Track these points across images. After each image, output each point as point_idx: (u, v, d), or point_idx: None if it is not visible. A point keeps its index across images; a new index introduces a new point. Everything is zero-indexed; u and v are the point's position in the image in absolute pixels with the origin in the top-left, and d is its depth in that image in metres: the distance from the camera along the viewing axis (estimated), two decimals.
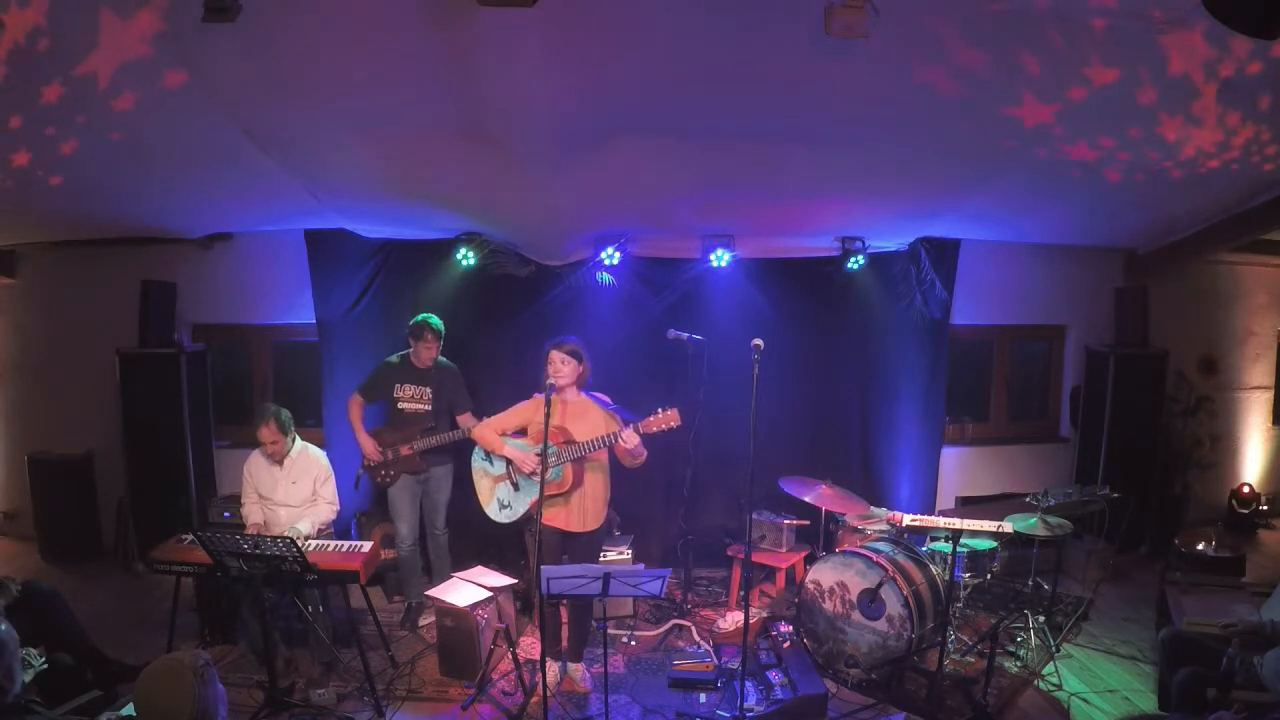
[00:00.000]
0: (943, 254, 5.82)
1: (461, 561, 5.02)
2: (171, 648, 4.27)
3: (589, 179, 4.44)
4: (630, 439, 3.79)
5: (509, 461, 4.11)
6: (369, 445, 4.80)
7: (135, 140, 3.90)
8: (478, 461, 4.22)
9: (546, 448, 3.65)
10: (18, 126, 3.49)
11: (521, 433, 4.15)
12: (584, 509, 4.00)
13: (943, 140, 4.11)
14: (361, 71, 3.44)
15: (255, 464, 4.45)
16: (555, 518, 3.93)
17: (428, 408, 4.86)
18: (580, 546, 4.05)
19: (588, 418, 3.99)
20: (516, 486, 4.12)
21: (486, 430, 4.16)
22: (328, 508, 4.46)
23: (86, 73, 3.22)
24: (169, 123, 3.76)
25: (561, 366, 3.92)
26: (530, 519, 4.05)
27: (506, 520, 4.13)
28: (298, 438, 4.48)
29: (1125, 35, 3.24)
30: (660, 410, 3.78)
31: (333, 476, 4.53)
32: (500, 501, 4.14)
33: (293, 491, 4.40)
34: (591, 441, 3.87)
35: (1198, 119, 3.98)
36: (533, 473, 3.98)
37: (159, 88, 3.41)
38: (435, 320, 4.81)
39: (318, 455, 4.51)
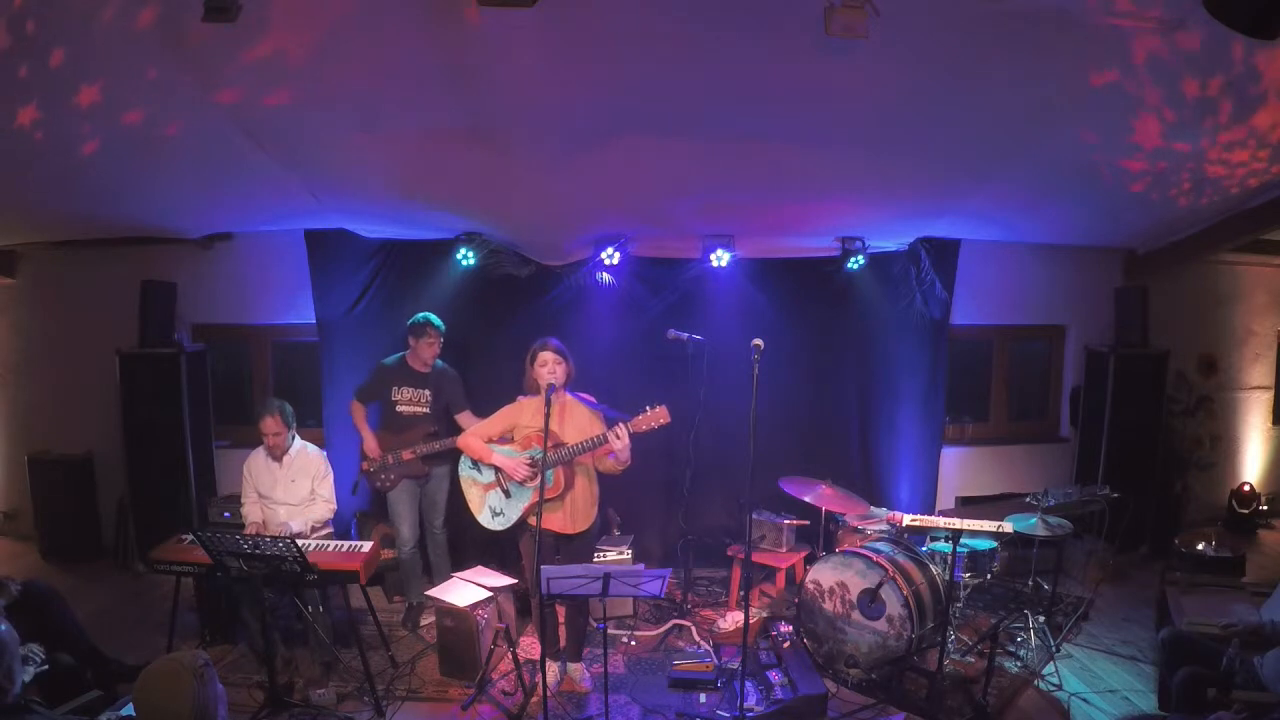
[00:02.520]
0: (943, 254, 5.82)
1: (461, 562, 5.03)
2: (171, 648, 4.28)
3: (589, 179, 4.45)
4: (620, 439, 3.74)
5: (497, 469, 4.05)
6: (371, 442, 4.79)
7: (136, 140, 3.90)
8: (465, 470, 4.14)
9: (547, 450, 3.64)
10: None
11: (506, 438, 4.10)
12: (575, 510, 3.98)
13: (949, 134, 4.11)
14: (362, 71, 3.45)
15: (255, 463, 4.46)
16: (549, 521, 3.90)
17: (426, 410, 4.85)
18: (574, 548, 4.04)
19: (576, 419, 3.97)
20: (508, 493, 4.06)
21: (472, 439, 4.09)
22: (324, 505, 4.46)
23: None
24: (169, 122, 3.76)
25: (555, 368, 3.88)
26: (523, 525, 4.02)
27: (500, 527, 4.07)
28: (297, 435, 4.49)
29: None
30: (648, 408, 3.73)
31: (331, 474, 4.53)
32: (492, 509, 4.08)
33: (292, 490, 4.41)
34: (581, 444, 3.82)
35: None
36: (524, 480, 3.96)
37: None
38: (436, 319, 4.80)
39: (316, 453, 4.52)
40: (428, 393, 4.85)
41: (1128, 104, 3.78)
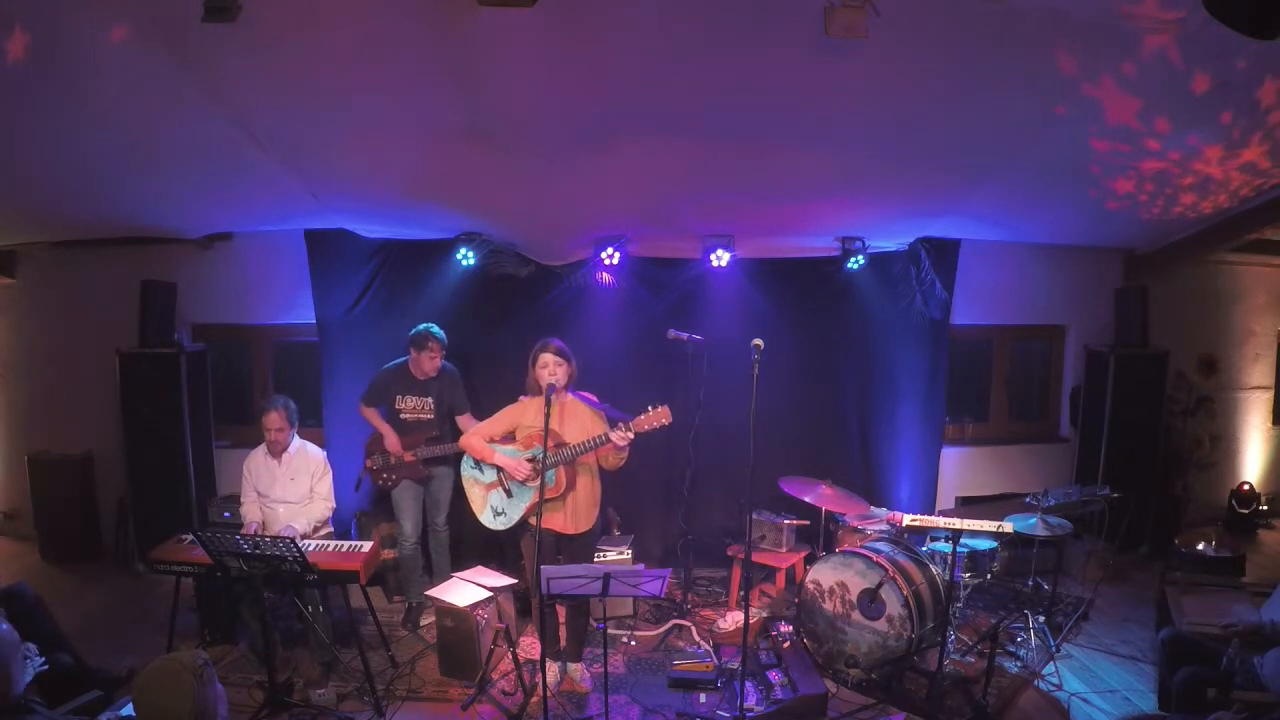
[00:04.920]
0: (943, 254, 5.82)
1: (462, 561, 5.02)
2: (171, 648, 4.27)
3: (589, 179, 4.44)
4: (622, 439, 3.74)
5: (499, 469, 4.06)
6: (392, 437, 4.78)
7: (136, 140, 3.90)
8: (467, 470, 4.16)
9: (547, 450, 3.64)
10: None
11: (509, 438, 4.10)
12: (577, 511, 3.98)
13: (949, 135, 4.11)
14: (362, 71, 3.45)
15: (254, 461, 4.47)
16: (550, 521, 3.91)
17: (430, 416, 4.86)
18: (575, 548, 4.04)
19: (578, 419, 3.97)
20: (510, 493, 4.06)
21: (474, 439, 4.10)
22: (323, 504, 4.47)
23: None
24: (169, 122, 3.76)
25: (556, 369, 3.88)
26: (525, 524, 4.02)
27: (502, 527, 4.08)
28: (296, 434, 4.50)
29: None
30: (651, 408, 3.73)
31: (330, 473, 4.54)
32: (494, 509, 4.09)
33: (291, 488, 4.41)
34: (583, 443, 3.83)
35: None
36: (526, 479, 3.96)
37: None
38: (438, 330, 4.76)
39: (316, 452, 4.53)
40: (430, 400, 4.85)
41: (1117, 111, 3.79)
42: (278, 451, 4.42)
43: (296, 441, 4.48)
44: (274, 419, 4.33)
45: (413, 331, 4.78)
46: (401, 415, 4.85)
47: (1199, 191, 4.76)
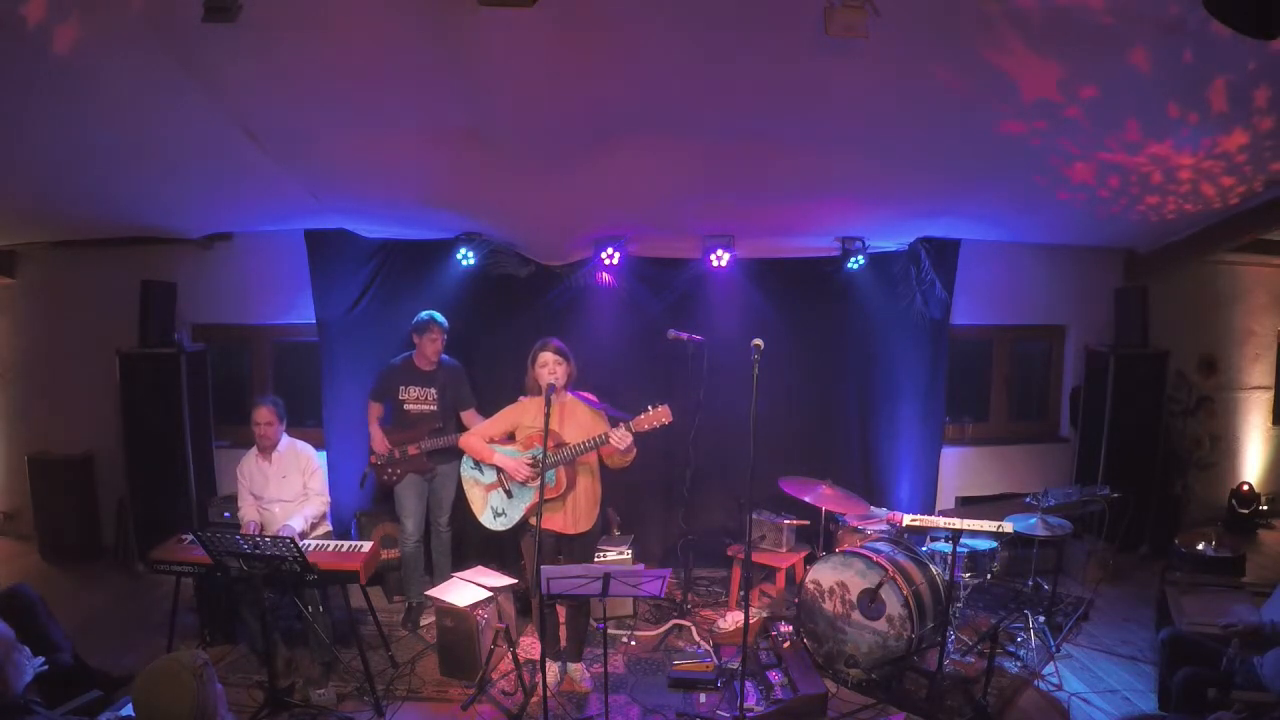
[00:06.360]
0: (943, 254, 5.82)
1: (462, 561, 5.03)
2: (171, 648, 4.28)
3: (589, 179, 4.45)
4: (622, 439, 3.74)
5: (499, 469, 4.06)
6: (378, 437, 4.82)
7: (136, 140, 3.90)
8: (467, 471, 4.16)
9: (547, 450, 3.64)
10: None
11: (509, 438, 4.10)
12: (577, 510, 3.98)
13: (946, 136, 4.11)
14: (362, 71, 3.45)
15: (246, 464, 4.48)
16: (551, 521, 3.91)
17: (434, 408, 4.88)
18: (576, 548, 4.04)
19: (577, 418, 3.97)
20: (510, 494, 4.07)
21: (474, 439, 4.10)
22: (318, 500, 4.47)
23: None
24: (169, 122, 3.76)
25: (556, 368, 3.88)
26: (525, 525, 4.02)
27: (502, 528, 4.09)
28: (285, 434, 4.50)
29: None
30: (650, 408, 3.73)
31: (321, 470, 4.55)
32: (494, 510, 4.09)
33: (284, 486, 4.42)
34: (582, 443, 3.82)
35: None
36: (526, 480, 3.96)
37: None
38: (439, 316, 4.82)
39: (305, 449, 4.53)
40: (434, 391, 4.87)
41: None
42: (267, 449, 4.42)
43: (286, 439, 4.49)
44: (264, 413, 4.35)
45: (414, 320, 4.83)
46: (405, 406, 4.87)
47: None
